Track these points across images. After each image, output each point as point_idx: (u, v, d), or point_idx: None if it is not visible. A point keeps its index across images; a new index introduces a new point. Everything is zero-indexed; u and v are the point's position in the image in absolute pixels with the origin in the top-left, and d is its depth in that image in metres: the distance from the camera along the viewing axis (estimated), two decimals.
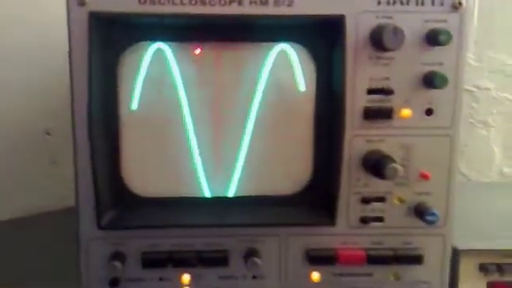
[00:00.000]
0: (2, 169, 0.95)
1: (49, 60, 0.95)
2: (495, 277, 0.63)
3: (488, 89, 1.08)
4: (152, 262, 0.59)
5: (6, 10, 0.92)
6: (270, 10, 0.55)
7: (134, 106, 0.59)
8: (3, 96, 0.94)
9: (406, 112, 0.57)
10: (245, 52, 0.59)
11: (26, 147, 0.97)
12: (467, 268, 0.63)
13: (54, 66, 0.95)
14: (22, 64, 0.94)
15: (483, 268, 0.63)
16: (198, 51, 0.59)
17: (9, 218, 0.95)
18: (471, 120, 1.08)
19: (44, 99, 0.97)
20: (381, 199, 0.59)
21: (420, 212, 0.58)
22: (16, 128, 0.96)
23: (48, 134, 0.99)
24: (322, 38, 0.58)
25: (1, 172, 0.95)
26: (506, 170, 1.11)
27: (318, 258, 0.60)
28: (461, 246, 0.63)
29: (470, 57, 1.04)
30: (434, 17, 0.56)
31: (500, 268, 0.63)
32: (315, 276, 0.61)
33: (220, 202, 0.61)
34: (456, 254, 0.63)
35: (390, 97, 0.57)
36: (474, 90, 1.07)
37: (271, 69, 0.59)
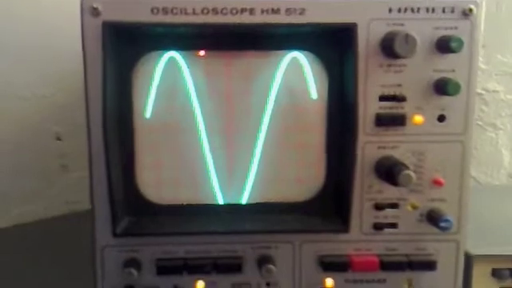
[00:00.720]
0: (12, 172, 0.96)
1: (55, 63, 0.96)
2: (508, 282, 0.63)
3: (497, 91, 1.08)
4: (166, 269, 0.59)
5: (13, 11, 0.93)
6: (282, 18, 0.55)
7: (148, 114, 0.59)
8: (12, 100, 0.94)
9: (418, 118, 0.58)
10: (257, 60, 0.59)
11: (35, 152, 0.98)
12: (480, 273, 0.63)
13: (61, 69, 0.96)
14: (29, 67, 0.95)
15: (496, 273, 0.63)
16: (202, 53, 0.59)
17: (17, 223, 0.95)
18: (480, 123, 1.08)
19: (53, 103, 0.98)
20: (394, 205, 0.59)
21: (433, 218, 0.58)
22: (25, 132, 0.97)
23: (58, 138, 1.00)
24: (334, 46, 0.58)
25: (10, 176, 0.96)
26: None
27: (331, 265, 0.60)
28: (474, 251, 0.63)
29: (479, 60, 1.04)
30: (445, 24, 0.56)
31: None
32: (329, 283, 0.61)
33: (233, 209, 0.61)
34: (469, 260, 0.63)
35: (403, 103, 0.57)
36: (483, 92, 1.07)
37: (283, 77, 0.59)
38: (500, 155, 1.11)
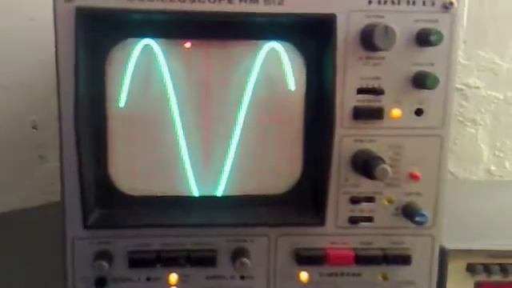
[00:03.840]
0: None
1: (32, 53, 0.93)
2: (482, 277, 0.64)
3: (477, 87, 1.08)
4: (139, 261, 0.58)
5: None
6: (261, 8, 0.54)
7: (122, 103, 0.58)
8: None
9: (396, 112, 0.57)
10: (234, 50, 0.58)
11: (12, 141, 0.96)
12: (455, 268, 0.63)
13: (38, 59, 0.93)
14: (5, 57, 0.92)
15: (471, 268, 0.64)
16: (188, 45, 0.58)
17: None
18: (460, 118, 1.08)
19: (29, 93, 0.95)
20: (370, 199, 0.59)
21: (409, 213, 0.58)
22: (2, 121, 0.94)
23: (34, 128, 0.98)
24: (313, 37, 0.58)
25: None
26: (493, 168, 1.12)
27: (306, 258, 0.59)
28: (449, 246, 0.63)
29: (460, 55, 1.04)
30: (425, 17, 0.56)
31: (487, 268, 0.63)
32: (303, 276, 0.61)
33: (208, 202, 0.60)
34: (444, 254, 0.63)
35: (380, 97, 0.57)
36: (464, 88, 1.07)
37: (261, 67, 0.58)
38: (479, 151, 1.11)
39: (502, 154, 1.11)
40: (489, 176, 1.12)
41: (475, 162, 1.12)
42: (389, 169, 0.54)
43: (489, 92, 1.08)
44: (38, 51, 0.93)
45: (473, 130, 1.10)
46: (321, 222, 0.58)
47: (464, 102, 1.08)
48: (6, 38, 0.91)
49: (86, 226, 0.56)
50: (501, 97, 1.08)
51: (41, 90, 0.95)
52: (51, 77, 0.92)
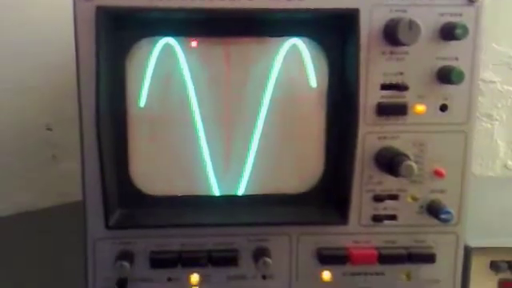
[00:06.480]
0: (2, 164, 0.94)
1: (45, 55, 0.93)
2: (506, 274, 0.63)
3: (493, 82, 1.07)
4: (160, 261, 0.58)
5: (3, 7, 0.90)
6: (282, 3, 0.54)
7: (142, 102, 0.57)
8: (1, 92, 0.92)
9: (421, 108, 0.56)
10: (255, 47, 0.58)
11: (26, 142, 0.96)
12: (478, 266, 0.63)
13: (43, 61, 0.93)
14: (18, 59, 0.92)
15: (494, 266, 0.63)
16: (194, 44, 0.57)
17: (9, 213, 0.93)
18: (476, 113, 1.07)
19: (43, 94, 0.95)
20: (394, 197, 0.58)
21: (434, 210, 0.57)
22: (16, 123, 0.94)
23: (49, 129, 0.98)
24: (335, 33, 0.57)
25: (1, 167, 0.94)
26: (510, 163, 1.11)
27: (329, 258, 0.59)
28: (472, 243, 0.62)
29: None
30: (450, 10, 0.55)
31: (511, 266, 0.62)
32: (326, 275, 0.60)
33: (229, 201, 0.60)
34: (467, 252, 0.62)
35: (404, 92, 0.56)
36: (480, 83, 1.05)
37: (282, 64, 0.57)
38: (496, 146, 1.10)
39: None
40: (506, 171, 1.10)
41: (492, 157, 1.10)
42: (414, 166, 0.53)
43: (505, 87, 1.07)
44: (43, 53, 0.93)
45: (489, 125, 1.09)
46: (344, 220, 0.57)
47: (480, 97, 1.07)
48: (12, 41, 0.91)
49: (107, 227, 0.55)
50: None
51: (49, 91, 0.95)
52: (59, 78, 0.93)
